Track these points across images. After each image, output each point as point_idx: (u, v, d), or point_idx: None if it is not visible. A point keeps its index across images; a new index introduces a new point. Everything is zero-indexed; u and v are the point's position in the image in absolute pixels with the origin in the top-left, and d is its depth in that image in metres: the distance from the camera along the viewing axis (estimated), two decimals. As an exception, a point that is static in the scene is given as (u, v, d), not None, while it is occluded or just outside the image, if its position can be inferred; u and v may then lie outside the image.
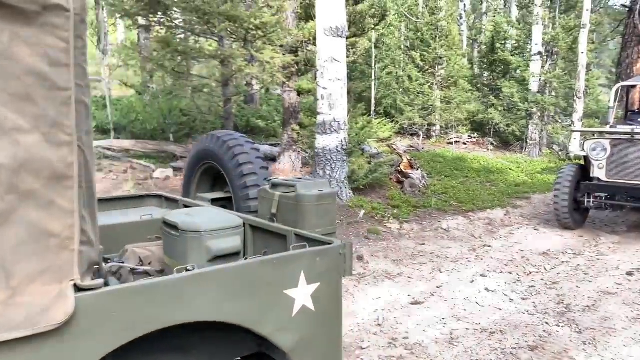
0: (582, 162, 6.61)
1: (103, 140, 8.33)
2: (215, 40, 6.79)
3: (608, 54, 27.30)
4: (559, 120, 13.96)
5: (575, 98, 11.96)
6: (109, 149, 8.22)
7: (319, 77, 6.83)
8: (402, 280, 4.64)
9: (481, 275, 4.86)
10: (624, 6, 14.75)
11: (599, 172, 6.13)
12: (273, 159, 8.69)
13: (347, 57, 7.26)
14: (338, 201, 6.87)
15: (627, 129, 6.15)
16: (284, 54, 6.74)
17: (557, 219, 6.44)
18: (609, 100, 7.32)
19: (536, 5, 12.68)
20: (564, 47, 12.90)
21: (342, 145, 6.93)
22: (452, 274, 4.88)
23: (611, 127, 6.83)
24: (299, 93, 8.23)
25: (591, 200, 6.28)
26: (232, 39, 6.98)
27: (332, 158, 6.88)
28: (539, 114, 13.32)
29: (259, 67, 6.13)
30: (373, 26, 7.76)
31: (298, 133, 7.70)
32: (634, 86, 8.50)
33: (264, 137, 11.14)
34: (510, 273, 4.98)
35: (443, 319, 3.85)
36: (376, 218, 6.55)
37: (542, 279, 4.80)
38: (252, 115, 11.93)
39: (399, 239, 5.89)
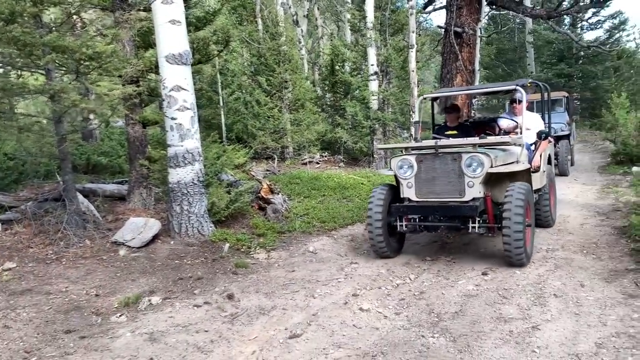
0: (394, 182, 6.07)
1: None
2: (42, 74, 6.03)
3: (429, 72, 30.29)
4: (399, 134, 15.01)
5: (411, 112, 12.95)
6: None
7: (166, 107, 6.43)
8: (277, 314, 4.45)
9: (353, 295, 4.87)
10: (440, 27, 16.45)
11: (408, 191, 5.64)
12: (122, 198, 7.98)
13: (194, 84, 6.96)
14: (199, 237, 6.49)
15: (431, 142, 5.76)
16: (123, 85, 6.22)
17: (372, 248, 5.87)
18: (413, 114, 7.48)
19: (368, 29, 13.54)
20: (397, 66, 13.93)
21: (199, 177, 6.58)
22: (326, 298, 4.82)
23: (417, 142, 6.48)
24: (144, 125, 7.69)
25: (403, 223, 5.70)
26: (62, 72, 6.28)
27: (188, 192, 6.49)
28: (381, 129, 14.18)
29: (97, 101, 5.56)
30: (218, 52, 7.55)
31: (148, 168, 7.16)
32: (437, 98, 8.08)
33: (108, 175, 10.24)
34: (379, 288, 5.06)
35: (324, 349, 3.74)
36: (242, 250, 6.30)
37: (409, 290, 4.95)
38: (93, 152, 10.92)
39: (268, 269, 5.70)
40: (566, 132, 12.43)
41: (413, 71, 12.53)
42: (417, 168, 5.57)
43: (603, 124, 21.61)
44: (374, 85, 14.06)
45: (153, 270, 5.57)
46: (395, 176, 5.79)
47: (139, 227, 6.28)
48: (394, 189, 5.92)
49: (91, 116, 9.12)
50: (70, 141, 6.96)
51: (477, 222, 5.33)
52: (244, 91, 17.17)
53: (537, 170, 6.28)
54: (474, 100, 14.13)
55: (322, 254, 6.32)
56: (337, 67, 15.92)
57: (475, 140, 5.77)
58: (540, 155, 6.50)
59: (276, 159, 13.93)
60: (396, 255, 6.05)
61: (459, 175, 5.37)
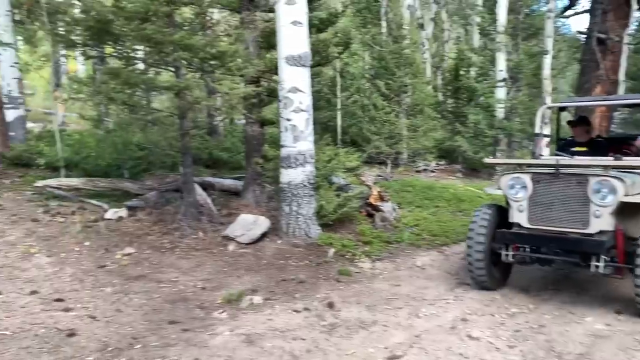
0: (503, 203, 5.24)
1: (51, 180, 7.71)
2: (172, 71, 6.35)
3: (565, 81, 28.03)
4: (526, 146, 13.98)
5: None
6: (58, 188, 7.61)
7: (282, 108, 6.47)
8: (377, 330, 4.21)
9: (462, 320, 4.47)
10: (580, 32, 15.06)
11: (519, 216, 4.81)
12: (237, 193, 8.22)
13: (312, 86, 6.92)
14: (306, 239, 6.44)
15: (551, 160, 5.01)
16: (245, 84, 6.35)
17: (471, 277, 5.10)
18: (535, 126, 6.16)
19: (499, 33, 12.76)
20: (528, 73, 12.98)
21: (309, 180, 6.54)
22: (431, 319, 4.48)
23: (535, 158, 5.81)
24: (262, 124, 7.84)
25: (509, 252, 4.85)
26: (190, 70, 6.57)
27: (298, 193, 6.47)
28: (506, 140, 13.30)
29: (218, 99, 5.73)
30: (337, 55, 7.47)
31: (262, 166, 7.27)
32: (565, 108, 7.07)
33: (228, 170, 10.66)
34: (492, 315, 4.61)
35: (425, 377, 3.43)
36: (347, 257, 6.13)
37: (526, 321, 4.45)
38: (215, 147, 11.46)
39: (371, 280, 5.48)
40: None
41: (546, 79, 11.58)
42: (532, 189, 4.73)
43: None
44: (501, 93, 13.24)
45: (258, 268, 5.61)
46: (505, 196, 5.00)
47: (248, 223, 6.38)
48: (502, 211, 5.08)
49: (216, 113, 9.52)
50: (192, 136, 7.29)
51: (602, 261, 4.38)
52: (362, 94, 17.12)
53: None
54: (615, 114, 12.69)
55: (430, 270, 5.95)
56: (461, 72, 15.25)
57: (608, 160, 4.87)
58: None
59: (389, 165, 13.64)
60: (499, 287, 5.17)
61: (584, 203, 4.49)
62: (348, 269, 5.70)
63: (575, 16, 15.89)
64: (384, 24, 16.17)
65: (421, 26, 20.86)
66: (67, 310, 4.28)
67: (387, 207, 7.69)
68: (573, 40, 21.40)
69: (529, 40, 14.06)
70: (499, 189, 5.01)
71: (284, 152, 6.53)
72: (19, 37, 9.84)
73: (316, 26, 7.85)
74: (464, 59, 14.91)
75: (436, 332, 4.17)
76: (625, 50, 13.27)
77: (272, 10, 6.91)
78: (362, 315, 4.48)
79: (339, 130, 15.95)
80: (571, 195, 4.57)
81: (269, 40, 7.07)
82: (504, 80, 13.09)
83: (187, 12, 5.95)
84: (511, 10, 13.19)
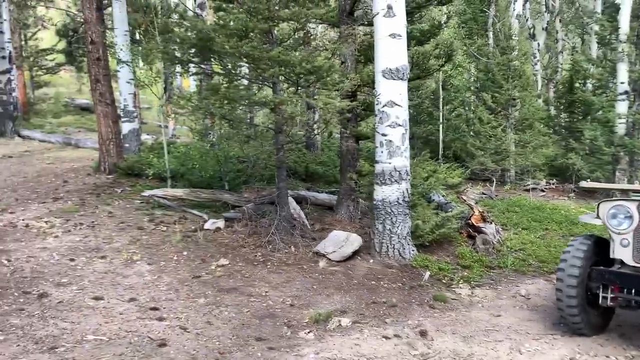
0: (603, 235, 4.54)
1: (157, 189, 8.14)
2: (269, 87, 6.43)
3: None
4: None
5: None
6: (163, 198, 8.01)
7: (378, 123, 6.29)
8: (473, 365, 3.86)
9: (571, 359, 3.98)
10: None
11: (622, 251, 4.12)
12: (331, 207, 8.15)
13: (411, 100, 6.68)
14: (400, 259, 6.18)
15: None
16: (340, 99, 6.26)
17: (562, 320, 4.47)
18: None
19: (620, 42, 11.64)
20: (656, 85, 11.69)
21: (404, 197, 6.28)
22: (535, 357, 4.04)
23: None
24: (357, 139, 7.72)
25: (609, 294, 4.14)
26: (287, 85, 6.62)
27: (392, 211, 6.23)
28: (627, 158, 12.04)
29: (313, 113, 5.68)
30: (438, 67, 7.17)
31: (356, 182, 7.13)
32: None
33: (324, 184, 10.66)
34: (607, 357, 4.06)
35: None
36: (443, 281, 5.78)
37: (653, 369, 3.86)
38: (312, 161, 11.53)
39: (469, 308, 5.08)
40: None
41: (677, 91, 10.33)
42: (639, 219, 4.04)
43: None
44: (622, 107, 12.03)
45: (348, 288, 5.44)
46: (607, 228, 4.29)
47: (340, 240, 6.25)
48: (602, 244, 4.35)
49: (312, 127, 9.57)
50: (289, 150, 7.33)
51: None
52: (466, 108, 16.46)
53: None
54: None
55: (536, 299, 5.42)
56: (576, 85, 14.12)
57: None
58: None
59: (494, 182, 12.88)
60: (597, 333, 4.42)
61: None
62: (444, 294, 5.34)
63: None
64: (490, 34, 15.47)
65: (532, 36, 19.73)
66: (160, 319, 4.39)
67: (490, 228, 7.19)
68: None
69: (657, 48, 12.69)
70: (598, 217, 4.30)
71: (378, 167, 6.34)
72: (137, 55, 10.57)
73: (417, 38, 7.62)
74: (580, 71, 13.79)
75: (541, 374, 3.73)
76: None
77: (371, 24, 6.79)
78: (457, 347, 4.14)
79: (440, 145, 15.45)
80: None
81: (366, 54, 6.96)
82: (626, 93, 11.88)
83: (285, 27, 5.98)
84: (635, 16, 11.98)
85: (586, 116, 13.91)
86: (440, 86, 14.56)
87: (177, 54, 5.78)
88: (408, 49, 6.34)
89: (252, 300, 4.95)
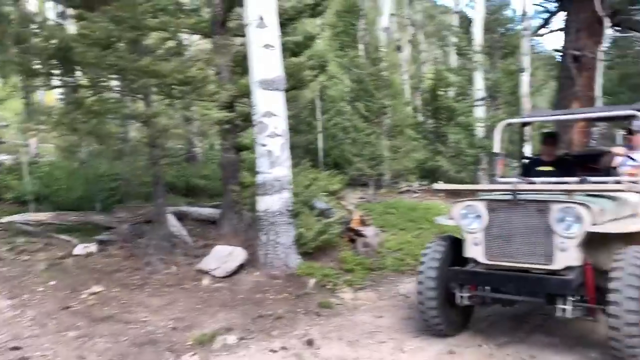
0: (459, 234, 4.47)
1: (18, 215, 7.35)
2: (141, 99, 6.12)
3: (542, 98, 28.34)
4: (508, 164, 13.91)
5: (521, 142, 11.89)
6: (25, 224, 7.25)
7: (257, 133, 6.26)
8: (359, 368, 3.95)
9: (449, 352, 4.23)
10: (556, 50, 15.20)
11: (474, 250, 4.14)
12: (215, 222, 7.93)
13: (290, 110, 6.74)
14: (285, 269, 6.17)
15: (507, 184, 4.23)
16: (218, 110, 6.14)
17: (424, 322, 4.42)
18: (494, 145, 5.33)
19: (475, 52, 12.79)
20: (506, 92, 13.00)
21: (287, 207, 6.29)
22: (417, 354, 4.23)
23: (492, 182, 4.87)
24: (238, 150, 7.62)
25: (465, 294, 4.20)
26: (161, 97, 6.34)
27: (275, 221, 6.22)
28: (486, 159, 13.22)
29: (188, 126, 5.50)
30: (313, 78, 7.32)
31: (239, 194, 7.02)
32: (527, 124, 6.30)
33: (207, 198, 10.36)
34: (479, 346, 4.37)
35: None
36: (328, 287, 5.86)
37: (516, 351, 4.21)
38: (193, 175, 11.17)
39: (353, 312, 5.21)
40: None
41: (524, 97, 11.57)
42: (488, 219, 4.07)
43: None
44: (480, 112, 13.21)
45: (234, 304, 5.31)
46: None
47: (224, 255, 6.10)
48: (458, 244, 4.36)
49: (189, 140, 9.28)
50: (166, 164, 7.03)
51: (569, 302, 3.74)
52: (343, 117, 17.01)
53: None
54: (594, 129, 12.70)
55: (414, 298, 5.68)
56: (439, 93, 15.24)
57: (571, 184, 4.30)
58: None
59: (372, 187, 13.45)
60: (458, 332, 4.51)
61: (547, 234, 3.83)
62: (329, 300, 5.43)
63: (550, 34, 16.06)
64: (361, 47, 16.18)
65: (398, 48, 20.97)
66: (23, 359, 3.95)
67: (369, 231, 7.45)
68: (549, 58, 21.66)
69: (505, 58, 14.13)
70: (451, 219, 4.35)
71: (259, 178, 6.29)
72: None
73: (290, 50, 7.70)
74: (442, 79, 14.91)
75: (422, 368, 3.92)
76: (600, 66, 13.41)
77: (244, 35, 6.75)
78: (344, 353, 4.22)
79: (320, 153, 15.80)
80: (532, 225, 3.90)
81: (242, 65, 6.89)
82: (482, 99, 13.08)
83: (154, 38, 5.73)
84: (487, 29, 13.26)
85: (450, 121, 15.03)
86: (319, 96, 14.90)
87: (36, 66, 5.27)
88: (283, 60, 6.38)
89: (130, 328, 4.64)
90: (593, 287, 3.79)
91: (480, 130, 13.23)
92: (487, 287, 4.16)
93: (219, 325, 4.74)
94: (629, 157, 4.91)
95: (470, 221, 4.17)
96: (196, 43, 6.64)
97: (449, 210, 4.42)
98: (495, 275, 4.05)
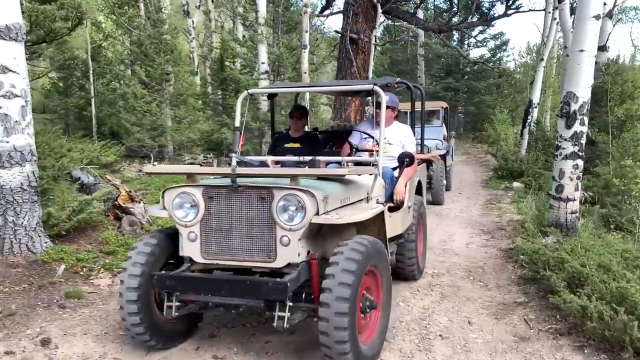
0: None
1: None
2: None
3: (326, 77, 30.13)
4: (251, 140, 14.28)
5: (302, 116, 12.28)
6: None
7: (-13, 93, 5.10)
8: (104, 367, 3.44)
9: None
10: (337, 32, 16.04)
11: (190, 247, 3.44)
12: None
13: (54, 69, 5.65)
14: (29, 255, 5.23)
15: (227, 167, 3.45)
16: None
17: (126, 332, 3.55)
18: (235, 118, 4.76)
19: (260, 24, 12.70)
20: (289, 67, 13.23)
21: (29, 182, 5.30)
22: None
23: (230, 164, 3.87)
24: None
25: (174, 304, 3.44)
26: None
27: (14, 200, 5.19)
28: (270, 132, 13.38)
29: None
30: (68, 31, 6.28)
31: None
32: (274, 95, 5.77)
33: None
34: (229, 347, 4.22)
35: None
36: (81, 273, 5.13)
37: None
38: None
39: (107, 300, 4.60)
40: (442, 151, 10.08)
41: (305, 73, 11.89)
42: (205, 209, 3.36)
43: (485, 138, 22.68)
44: (264, 84, 13.22)
45: (-49, 303, 4.27)
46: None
47: (-59, 243, 4.89)
48: (175, 240, 3.54)
49: None
50: None
51: (287, 310, 3.14)
52: (121, 82, 15.55)
53: (400, 205, 4.43)
54: (367, 108, 13.76)
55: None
56: (226, 63, 14.88)
57: (293, 169, 3.97)
58: (406, 185, 4.56)
59: (152, 159, 12.59)
60: (174, 345, 3.68)
61: (269, 226, 3.26)
62: (79, 289, 4.72)
63: (333, 16, 16.85)
64: (142, 6, 14.88)
65: (187, 13, 19.94)
66: None
67: (138, 208, 6.81)
68: (332, 39, 22.93)
69: (290, 33, 14.38)
70: (164, 209, 3.51)
71: (-7, 148, 5.17)
72: None
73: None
74: (228, 49, 14.57)
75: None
76: (373, 50, 14.56)
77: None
78: (88, 350, 3.64)
79: (93, 120, 14.24)
80: (253, 216, 3.28)
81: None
82: (266, 72, 13.11)
83: None
84: (271, 2, 13.25)
85: (237, 93, 14.83)
86: (89, 56, 13.30)
87: None
88: (23, 6, 5.29)
89: None
90: (319, 283, 3.16)
91: (264, 104, 13.29)
92: (204, 293, 3.37)
93: None
94: (367, 134, 4.79)
95: (185, 212, 3.41)
96: None
97: (161, 198, 3.53)
98: (205, 280, 3.33)
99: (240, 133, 4.61)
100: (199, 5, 21.49)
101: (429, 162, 6.48)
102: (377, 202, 3.97)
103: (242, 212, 3.29)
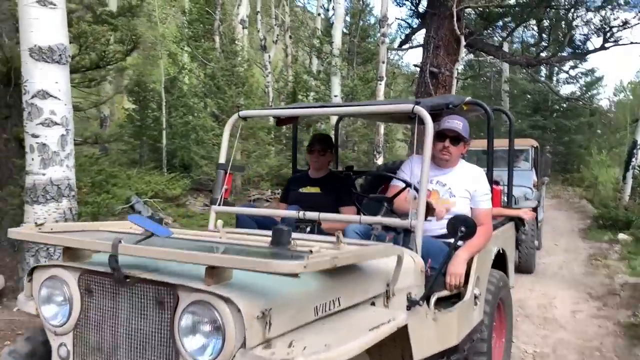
0: None
1: None
2: None
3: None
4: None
5: (375, 152, 11.45)
6: None
7: (26, 120, 4.64)
8: None
9: None
10: (415, 65, 15.23)
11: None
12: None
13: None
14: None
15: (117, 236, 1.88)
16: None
17: None
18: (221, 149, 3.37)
19: (334, 56, 12.11)
20: (363, 99, 12.51)
21: (66, 220, 4.73)
22: None
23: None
24: (21, 143, 5.85)
25: None
26: None
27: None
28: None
29: None
30: (123, 56, 5.83)
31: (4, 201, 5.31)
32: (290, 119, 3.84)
33: None
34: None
35: None
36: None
37: None
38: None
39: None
40: (533, 202, 7.62)
41: (380, 106, 11.10)
42: (81, 309, 1.95)
43: (576, 180, 20.64)
44: (336, 119, 12.57)
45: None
46: None
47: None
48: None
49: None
50: None
51: None
52: (194, 114, 15.48)
53: (457, 293, 2.86)
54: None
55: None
56: (299, 97, 14.42)
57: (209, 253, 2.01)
58: (471, 262, 2.93)
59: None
60: None
61: (170, 351, 1.74)
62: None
63: (410, 50, 16.10)
64: (217, 38, 14.82)
65: (264, 48, 19.92)
66: None
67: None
68: (410, 74, 22.15)
69: (364, 65, 13.71)
70: (31, 297, 2.12)
71: (28, 180, 4.67)
72: None
73: (103, 21, 6.15)
74: (301, 82, 14.11)
75: None
76: (455, 84, 13.60)
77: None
78: None
79: (164, 153, 14.13)
80: (148, 330, 1.79)
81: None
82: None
83: None
84: (347, 34, 12.69)
85: (308, 128, 14.30)
86: (163, 88, 13.26)
87: None
88: (72, 26, 4.85)
89: None
90: None
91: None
92: None
93: None
94: (401, 179, 3.09)
95: (54, 309, 2.02)
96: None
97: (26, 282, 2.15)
98: None
99: (226, 172, 3.09)
100: (276, 40, 21.46)
101: (518, 221, 4.30)
102: (410, 299, 2.33)
103: (132, 321, 1.82)
